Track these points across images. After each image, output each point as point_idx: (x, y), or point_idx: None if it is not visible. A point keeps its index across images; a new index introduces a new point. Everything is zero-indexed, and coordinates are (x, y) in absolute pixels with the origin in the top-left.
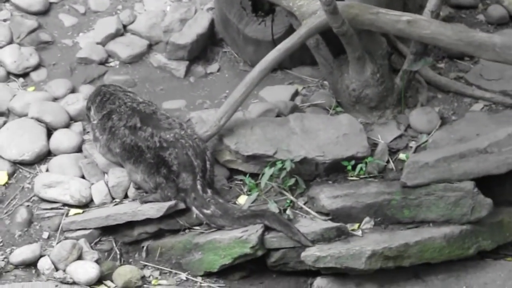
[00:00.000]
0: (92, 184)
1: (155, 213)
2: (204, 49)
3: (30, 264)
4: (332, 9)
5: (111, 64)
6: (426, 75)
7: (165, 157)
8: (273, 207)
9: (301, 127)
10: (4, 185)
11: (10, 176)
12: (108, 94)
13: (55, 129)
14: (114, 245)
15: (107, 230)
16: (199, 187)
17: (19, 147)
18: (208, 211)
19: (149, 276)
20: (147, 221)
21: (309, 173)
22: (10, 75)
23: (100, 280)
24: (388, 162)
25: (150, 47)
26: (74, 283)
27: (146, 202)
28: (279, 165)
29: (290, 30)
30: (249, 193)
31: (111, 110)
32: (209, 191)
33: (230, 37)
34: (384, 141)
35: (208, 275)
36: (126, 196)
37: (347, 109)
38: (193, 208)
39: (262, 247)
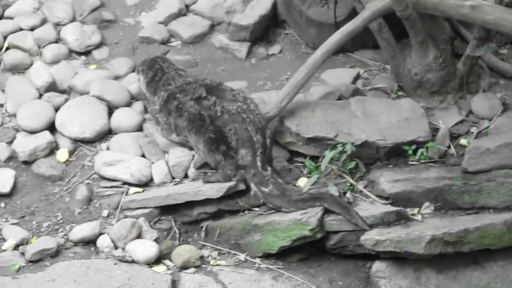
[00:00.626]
0: (153, 163)
1: (215, 194)
2: (266, 30)
3: (90, 242)
4: None
5: (173, 44)
6: (489, 60)
7: (225, 133)
8: (333, 190)
9: (362, 110)
10: (64, 162)
11: (71, 153)
12: (160, 72)
13: (116, 107)
14: (173, 224)
15: (167, 210)
16: (258, 163)
17: (80, 124)
18: (266, 189)
19: (208, 256)
20: (207, 201)
21: (370, 157)
22: (72, 53)
23: (159, 259)
24: (449, 147)
25: (212, 27)
26: (133, 261)
27: (208, 182)
28: (339, 148)
29: (353, 13)
30: (309, 175)
31: (172, 92)
32: (269, 168)
33: (292, 19)
34: (445, 126)
35: (266, 256)
36: (186, 176)
37: (409, 93)
38: (252, 185)
39: (322, 229)
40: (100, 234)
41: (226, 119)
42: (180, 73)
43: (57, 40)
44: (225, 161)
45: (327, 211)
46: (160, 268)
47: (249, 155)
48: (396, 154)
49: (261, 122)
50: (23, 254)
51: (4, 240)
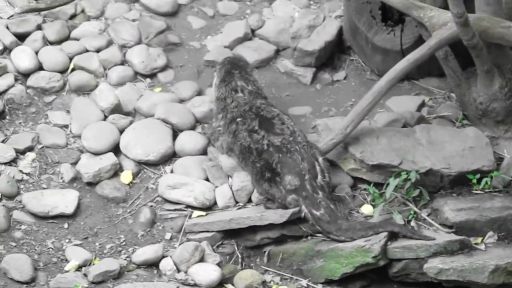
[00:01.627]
0: (216, 187)
1: (278, 219)
2: (331, 56)
3: (152, 265)
4: (464, 21)
5: None
6: None
7: (269, 161)
8: (398, 218)
9: (427, 138)
10: (128, 184)
11: (135, 175)
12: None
13: (181, 130)
14: (236, 248)
15: (230, 234)
16: (308, 187)
17: (144, 147)
18: (317, 213)
19: (270, 281)
20: (270, 226)
21: (434, 185)
22: (137, 75)
23: (221, 283)
24: None
25: (277, 52)
26: (195, 285)
27: (268, 208)
28: (404, 175)
29: (419, 41)
30: (372, 202)
31: (235, 116)
32: (320, 193)
33: (358, 45)
34: (510, 156)
35: (328, 282)
36: (249, 201)
37: (473, 122)
38: (303, 207)
39: (385, 257)
40: (163, 257)
41: (271, 151)
42: (250, 90)
43: (123, 62)
44: (271, 188)
45: (390, 238)
46: None
47: (297, 180)
48: (460, 183)
49: (306, 152)
50: (85, 275)
51: (67, 261)
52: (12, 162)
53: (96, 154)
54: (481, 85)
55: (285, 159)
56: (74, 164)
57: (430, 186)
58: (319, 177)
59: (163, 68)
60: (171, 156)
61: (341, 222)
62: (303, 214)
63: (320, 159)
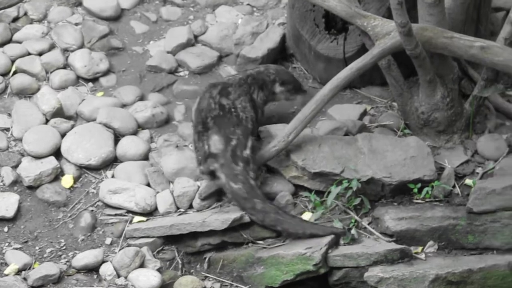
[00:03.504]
0: (158, 192)
1: (220, 225)
2: (274, 63)
3: (92, 269)
4: (407, 31)
5: (181, 73)
6: (495, 102)
7: (207, 115)
8: (338, 226)
9: (368, 147)
10: (69, 188)
11: (76, 180)
12: None
13: (123, 135)
14: (177, 254)
15: (170, 240)
16: (229, 154)
17: (86, 151)
18: (235, 186)
19: None
20: (211, 233)
21: (375, 194)
22: (80, 79)
23: None
24: (454, 187)
25: (220, 58)
26: None
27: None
28: (345, 184)
29: (362, 50)
30: (313, 210)
31: None
32: (241, 165)
33: (301, 53)
34: (451, 166)
35: None
36: (191, 206)
37: (415, 131)
38: (222, 176)
39: (325, 265)
40: (103, 262)
41: (215, 108)
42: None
43: (65, 66)
44: (198, 140)
45: (331, 247)
46: None
47: (221, 144)
48: (401, 192)
49: (246, 122)
50: (25, 279)
51: (6, 264)
52: None
53: (37, 157)
54: (423, 95)
55: (221, 118)
56: (15, 167)
57: (371, 194)
58: (248, 151)
59: (106, 73)
60: (112, 161)
61: (257, 202)
62: (221, 182)
63: (253, 138)
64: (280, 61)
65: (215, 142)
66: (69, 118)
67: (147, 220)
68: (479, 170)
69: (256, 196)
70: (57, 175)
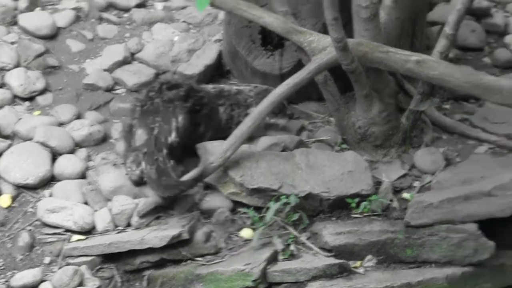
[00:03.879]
0: (96, 210)
1: (158, 243)
2: (211, 80)
3: None
4: (343, 46)
5: (118, 91)
6: (432, 115)
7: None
8: (277, 242)
9: (306, 162)
10: (7, 208)
11: (14, 199)
12: None
13: (60, 154)
14: (116, 273)
15: (109, 258)
16: (152, 143)
17: (23, 170)
18: (149, 168)
19: None
20: (150, 250)
21: (313, 209)
22: (16, 98)
23: None
24: (391, 200)
25: (157, 76)
26: None
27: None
28: (283, 199)
29: (298, 65)
30: (252, 226)
31: None
32: (164, 151)
33: (237, 69)
34: (389, 180)
35: None
36: (129, 224)
37: (353, 146)
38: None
39: (264, 280)
40: (42, 281)
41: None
42: None
43: (1, 85)
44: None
45: (270, 262)
46: None
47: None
48: (339, 207)
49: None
50: None
51: None
52: None
53: None
54: (360, 110)
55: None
56: None
57: (309, 210)
58: (173, 135)
59: (42, 91)
60: (50, 180)
61: (162, 179)
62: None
63: (180, 117)
64: (217, 77)
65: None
66: (5, 137)
67: (85, 238)
68: (417, 183)
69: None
70: None
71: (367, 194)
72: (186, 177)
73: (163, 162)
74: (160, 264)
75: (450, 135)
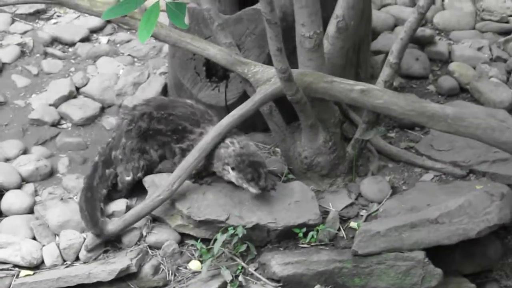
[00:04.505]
0: (44, 245)
1: (106, 276)
2: None
3: None
4: (287, 76)
5: (64, 126)
6: (377, 144)
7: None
8: (226, 274)
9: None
10: None
11: None
12: None
13: (7, 190)
14: None
15: None
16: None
17: None
18: None
19: None
20: (98, 284)
21: (261, 239)
22: None
23: None
24: (339, 230)
25: (102, 110)
26: None
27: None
28: (231, 231)
29: (244, 96)
30: (200, 258)
31: None
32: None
33: None
34: (335, 209)
35: None
36: (77, 258)
37: (299, 176)
38: None
39: None
40: None
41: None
42: None
43: None
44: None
45: None
46: None
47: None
48: (287, 237)
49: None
50: None
51: None
52: None
53: None
54: (306, 140)
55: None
56: None
57: (257, 240)
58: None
59: None
60: None
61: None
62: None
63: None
64: None
65: None
66: None
67: (34, 274)
68: (363, 212)
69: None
70: None
71: (314, 223)
72: (112, 226)
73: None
74: None
75: (396, 163)
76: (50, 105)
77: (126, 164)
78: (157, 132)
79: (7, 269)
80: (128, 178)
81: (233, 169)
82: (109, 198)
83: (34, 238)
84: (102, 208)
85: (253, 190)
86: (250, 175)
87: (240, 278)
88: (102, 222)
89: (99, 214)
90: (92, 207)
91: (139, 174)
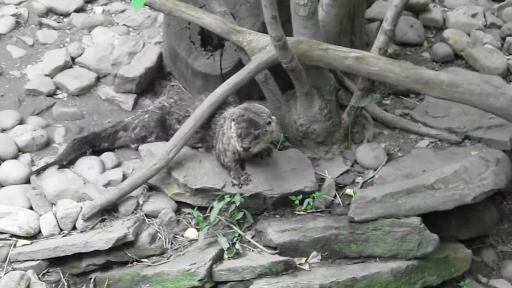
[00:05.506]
0: (41, 215)
1: (104, 245)
2: (152, 82)
3: None
4: (282, 44)
5: (59, 96)
6: (373, 111)
7: None
8: (222, 241)
9: (249, 161)
10: None
11: None
12: None
13: (3, 160)
14: (62, 276)
15: (55, 262)
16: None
17: None
18: None
19: None
20: (95, 253)
21: (257, 207)
22: None
23: None
24: (335, 197)
25: (98, 79)
26: None
27: None
28: (227, 198)
29: (239, 65)
30: (197, 226)
31: None
32: None
33: (178, 71)
34: (331, 176)
35: None
36: (74, 228)
37: (295, 144)
38: None
39: (210, 279)
40: None
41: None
42: None
43: None
44: None
45: (215, 261)
46: None
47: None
48: (283, 205)
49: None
50: None
51: None
52: None
53: None
54: (301, 107)
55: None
56: None
57: (253, 208)
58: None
59: None
60: None
61: None
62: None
63: None
64: (158, 79)
65: None
66: None
67: (31, 243)
68: (359, 179)
69: None
70: None
71: (311, 191)
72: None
73: None
74: (106, 267)
75: (392, 130)
76: (46, 75)
77: None
78: None
79: (5, 239)
80: None
81: (233, 120)
82: None
83: (31, 208)
84: None
85: (236, 145)
86: (240, 131)
87: (237, 245)
88: None
89: None
90: None
91: None
